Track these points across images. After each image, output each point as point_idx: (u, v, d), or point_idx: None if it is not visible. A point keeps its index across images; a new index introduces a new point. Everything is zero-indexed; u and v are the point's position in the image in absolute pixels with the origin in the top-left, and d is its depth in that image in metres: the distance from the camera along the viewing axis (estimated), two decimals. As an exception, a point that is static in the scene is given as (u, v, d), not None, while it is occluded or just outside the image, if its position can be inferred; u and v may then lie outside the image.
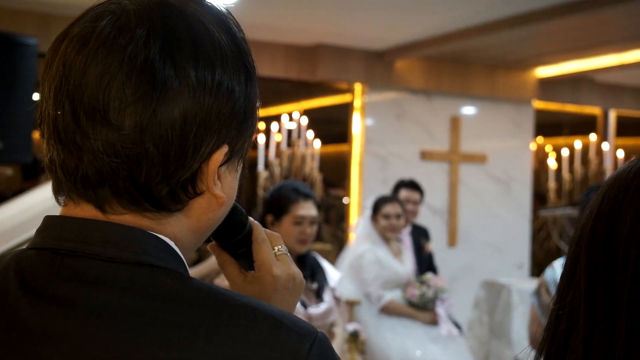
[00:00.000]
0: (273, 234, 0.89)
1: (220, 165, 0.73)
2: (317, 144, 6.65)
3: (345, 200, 7.15)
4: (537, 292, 2.94)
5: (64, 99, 0.69)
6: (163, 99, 0.68)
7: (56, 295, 0.67)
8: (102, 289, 0.67)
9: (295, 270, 0.88)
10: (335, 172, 8.58)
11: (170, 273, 0.70)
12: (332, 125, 7.77)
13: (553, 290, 2.89)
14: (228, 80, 0.71)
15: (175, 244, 0.73)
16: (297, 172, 6.34)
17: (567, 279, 0.81)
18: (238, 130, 0.74)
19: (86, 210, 0.71)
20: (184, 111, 0.69)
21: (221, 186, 0.74)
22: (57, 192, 0.74)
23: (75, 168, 0.70)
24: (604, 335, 0.75)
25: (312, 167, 6.27)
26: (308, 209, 3.00)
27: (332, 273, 3.22)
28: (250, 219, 0.88)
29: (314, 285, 3.08)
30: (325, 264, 3.22)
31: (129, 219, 0.71)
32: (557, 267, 2.95)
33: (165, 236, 0.72)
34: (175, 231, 0.73)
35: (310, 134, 6.40)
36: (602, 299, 0.76)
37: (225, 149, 0.72)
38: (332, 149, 8.30)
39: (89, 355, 0.65)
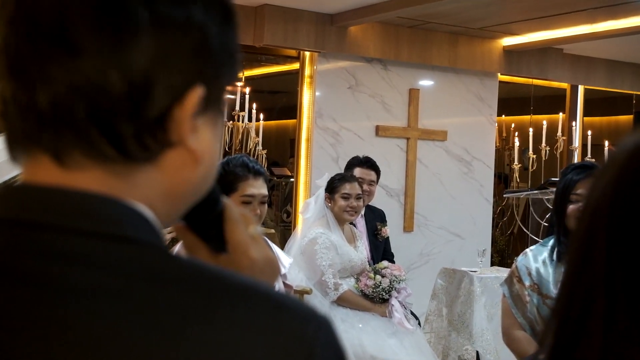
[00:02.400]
0: (246, 214, 0.89)
1: (196, 115, 0.71)
2: (261, 116, 6.55)
3: (291, 179, 7.09)
4: (508, 281, 2.95)
5: (18, 24, 0.68)
6: (128, 23, 0.67)
7: (23, 275, 0.65)
8: (76, 267, 0.65)
9: (271, 254, 0.88)
10: (280, 149, 8.51)
11: (152, 249, 0.69)
12: (278, 97, 7.68)
13: (525, 279, 2.89)
14: (201, 16, 0.71)
15: (149, 213, 0.72)
16: (238, 148, 6.24)
17: (580, 259, 0.80)
18: (214, 71, 0.73)
19: (45, 167, 0.70)
20: (152, 40, 0.68)
21: (197, 142, 0.73)
22: (11, 143, 0.72)
23: (29, 103, 0.68)
24: (628, 316, 0.76)
25: (256, 142, 6.17)
26: (259, 187, 2.95)
27: (283, 258, 3.20)
28: (223, 196, 0.86)
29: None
30: (276, 249, 3.18)
31: (93, 176, 0.69)
32: (530, 255, 2.97)
33: (139, 201, 0.71)
34: (149, 194, 0.71)
35: (253, 105, 6.30)
36: (626, 278, 0.76)
37: (200, 90, 0.71)
38: (277, 123, 8.21)
39: (65, 344, 0.62)
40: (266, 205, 3.01)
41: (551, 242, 2.94)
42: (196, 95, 0.70)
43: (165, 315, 0.64)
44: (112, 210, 0.68)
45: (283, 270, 3.11)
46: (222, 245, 0.87)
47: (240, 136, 6.36)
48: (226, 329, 0.64)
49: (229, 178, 2.89)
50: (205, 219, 0.86)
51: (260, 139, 6.33)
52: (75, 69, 0.67)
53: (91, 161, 0.69)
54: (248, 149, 6.37)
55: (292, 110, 6.91)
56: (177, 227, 0.88)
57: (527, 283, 2.89)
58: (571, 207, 2.85)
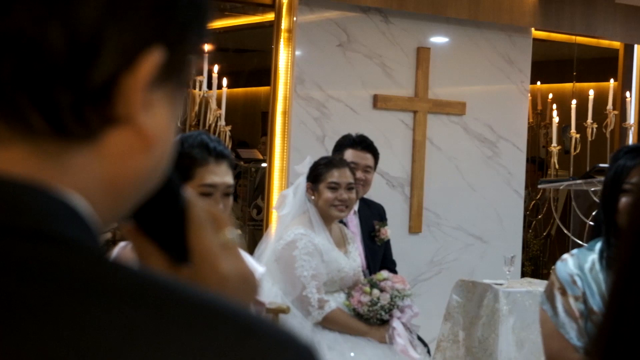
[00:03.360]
0: (218, 213, 0.90)
1: (151, 86, 0.72)
2: (225, 82, 6.54)
3: (263, 164, 7.10)
4: (549, 296, 2.97)
5: None
6: None
7: None
8: None
9: (248, 267, 0.90)
10: (249, 125, 8.50)
11: (84, 251, 0.69)
12: (247, 57, 7.67)
13: (571, 289, 2.92)
14: None
15: (84, 206, 0.72)
16: (194, 123, 6.24)
17: (632, 264, 0.83)
18: (178, 32, 0.74)
19: None
20: None
21: (150, 121, 0.74)
22: None
23: None
24: None
25: (218, 116, 6.17)
26: (221, 175, 2.95)
27: (253, 266, 3.17)
28: (187, 191, 0.88)
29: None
30: (243, 254, 3.18)
31: (14, 154, 0.70)
32: (570, 262, 3.00)
33: (71, 190, 0.71)
34: (85, 182, 0.72)
35: (214, 68, 6.29)
36: None
37: (158, 54, 0.71)
38: (246, 91, 8.20)
39: None
40: (231, 198, 3.00)
41: (599, 245, 2.96)
42: (153, 60, 0.71)
43: (98, 336, 0.64)
44: (32, 198, 0.69)
45: None
46: (184, 255, 0.87)
47: (197, 108, 6.37)
48: (177, 356, 0.64)
49: (184, 162, 2.88)
50: (162, 219, 0.86)
51: (223, 111, 6.33)
52: (5, 17, 0.67)
53: (15, 136, 0.69)
54: (207, 125, 6.37)
55: (264, 74, 6.89)
56: (128, 229, 0.88)
57: (573, 294, 2.92)
58: (624, 200, 2.87)
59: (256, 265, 3.26)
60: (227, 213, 3.05)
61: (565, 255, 3.03)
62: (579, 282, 2.92)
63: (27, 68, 0.68)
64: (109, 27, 0.69)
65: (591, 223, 6.56)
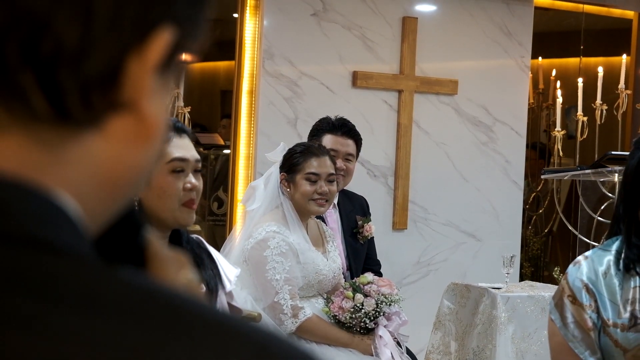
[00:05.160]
0: (176, 255, 0.93)
1: (157, 70, 0.74)
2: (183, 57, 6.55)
3: (225, 151, 7.12)
4: (559, 304, 3.00)
5: None
6: None
7: None
8: None
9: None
10: (208, 106, 8.50)
11: (82, 260, 0.70)
12: (208, 28, 7.66)
13: (583, 298, 2.94)
14: None
15: (74, 208, 0.73)
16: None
17: None
18: (188, 9, 0.75)
19: None
20: None
21: (152, 109, 0.75)
22: None
23: None
24: None
25: (176, 96, 6.19)
26: (187, 148, 3.05)
27: (227, 269, 3.23)
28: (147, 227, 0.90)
29: (201, 288, 3.06)
30: (215, 254, 3.22)
31: (9, 143, 0.71)
32: (584, 265, 3.01)
33: (61, 188, 0.73)
34: (79, 178, 0.74)
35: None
36: None
37: (168, 33, 0.73)
38: (204, 66, 8.21)
39: None
40: (200, 179, 3.09)
41: (616, 244, 2.98)
42: (163, 40, 0.73)
43: (98, 351, 0.65)
44: (18, 199, 0.70)
45: (228, 287, 3.16)
46: None
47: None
48: None
49: None
50: (121, 255, 0.87)
51: (181, 90, 6.34)
52: None
53: (13, 122, 0.71)
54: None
55: (227, 47, 6.92)
56: None
57: (586, 302, 2.94)
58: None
59: (229, 267, 3.29)
60: (201, 191, 3.09)
61: (579, 258, 3.02)
62: (592, 289, 2.94)
63: (35, 48, 0.70)
64: (122, 6, 0.71)
65: (600, 219, 6.65)
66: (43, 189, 0.71)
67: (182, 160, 3.02)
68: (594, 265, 2.97)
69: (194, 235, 3.31)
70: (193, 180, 3.04)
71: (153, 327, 0.67)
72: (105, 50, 0.71)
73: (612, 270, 2.94)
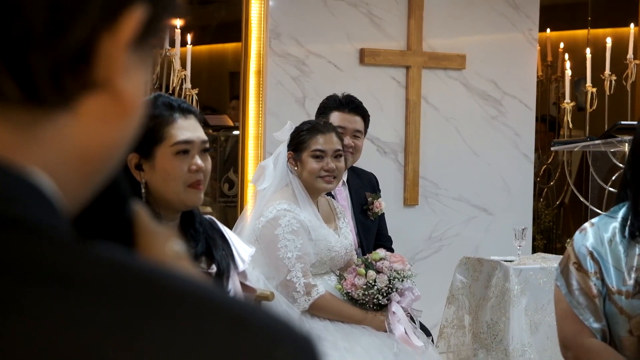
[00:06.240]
0: (162, 228, 0.92)
1: (130, 48, 0.74)
2: (189, 39, 6.55)
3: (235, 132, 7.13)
4: (564, 271, 3.02)
5: None
6: None
7: None
8: None
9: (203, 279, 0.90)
10: (217, 88, 8.50)
11: (57, 237, 0.70)
12: (213, 9, 7.66)
13: (588, 265, 2.96)
14: None
15: (50, 186, 0.73)
16: (156, 86, 6.24)
17: None
18: None
19: None
20: None
21: (127, 86, 0.76)
22: None
23: None
24: None
25: (183, 78, 6.19)
26: (193, 129, 3.05)
27: (242, 248, 3.23)
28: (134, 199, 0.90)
29: (212, 269, 3.09)
30: (229, 233, 3.23)
31: None
32: (590, 232, 3.03)
33: (36, 166, 0.73)
34: (53, 157, 0.74)
35: (177, 22, 6.30)
36: None
37: (140, 10, 0.73)
38: (212, 48, 8.20)
39: None
40: (208, 160, 3.10)
41: (622, 211, 2.99)
42: (135, 17, 0.73)
43: (74, 330, 0.65)
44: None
45: (242, 267, 3.18)
46: None
47: (158, 69, 6.37)
48: (161, 352, 0.66)
49: (149, 125, 2.96)
50: (107, 228, 0.87)
51: (188, 72, 6.34)
52: None
53: None
54: (171, 88, 6.36)
55: (233, 28, 6.92)
56: None
57: (590, 270, 2.96)
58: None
59: (244, 246, 3.29)
60: (209, 172, 3.09)
61: (585, 225, 3.04)
62: (597, 256, 2.97)
63: (5, 32, 0.70)
64: None
65: (611, 189, 6.65)
66: (15, 166, 0.71)
67: (186, 142, 3.02)
68: (599, 232, 2.98)
69: (207, 216, 3.32)
70: (199, 161, 3.05)
71: (128, 304, 0.67)
72: (75, 31, 0.71)
73: (618, 238, 2.95)
